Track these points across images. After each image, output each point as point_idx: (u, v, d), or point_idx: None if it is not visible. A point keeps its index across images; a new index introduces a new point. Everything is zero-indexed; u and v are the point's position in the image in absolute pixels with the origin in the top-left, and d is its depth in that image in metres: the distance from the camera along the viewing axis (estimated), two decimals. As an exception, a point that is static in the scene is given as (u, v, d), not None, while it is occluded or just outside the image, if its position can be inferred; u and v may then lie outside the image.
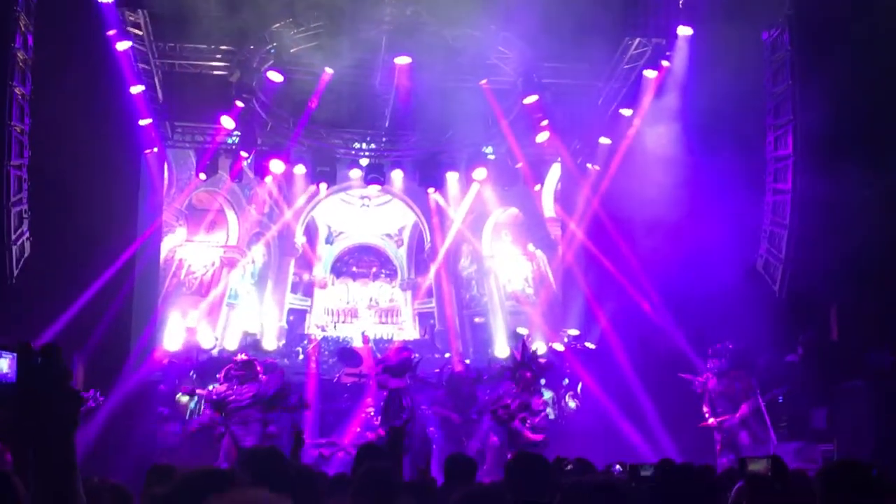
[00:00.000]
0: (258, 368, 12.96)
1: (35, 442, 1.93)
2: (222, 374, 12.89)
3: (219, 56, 15.82)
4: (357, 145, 18.14)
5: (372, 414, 15.08)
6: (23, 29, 12.86)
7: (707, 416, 13.80)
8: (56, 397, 1.95)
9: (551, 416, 14.62)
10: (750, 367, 13.88)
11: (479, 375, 15.02)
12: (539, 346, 16.98)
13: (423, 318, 18.89)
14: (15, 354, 1.94)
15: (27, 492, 2.00)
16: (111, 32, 14.08)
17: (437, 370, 15.71)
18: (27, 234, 13.35)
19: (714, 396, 13.81)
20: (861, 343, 13.46)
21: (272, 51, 15.09)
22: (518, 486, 4.50)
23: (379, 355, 16.65)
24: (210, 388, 13.51)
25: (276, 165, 16.79)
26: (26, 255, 13.36)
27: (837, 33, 13.23)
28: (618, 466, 7.97)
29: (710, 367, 13.93)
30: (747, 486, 5.03)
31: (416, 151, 17.90)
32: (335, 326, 18.45)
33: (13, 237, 12.88)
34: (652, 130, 15.44)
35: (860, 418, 12.68)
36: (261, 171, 17.04)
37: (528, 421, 12.66)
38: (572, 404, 16.08)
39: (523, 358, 13.59)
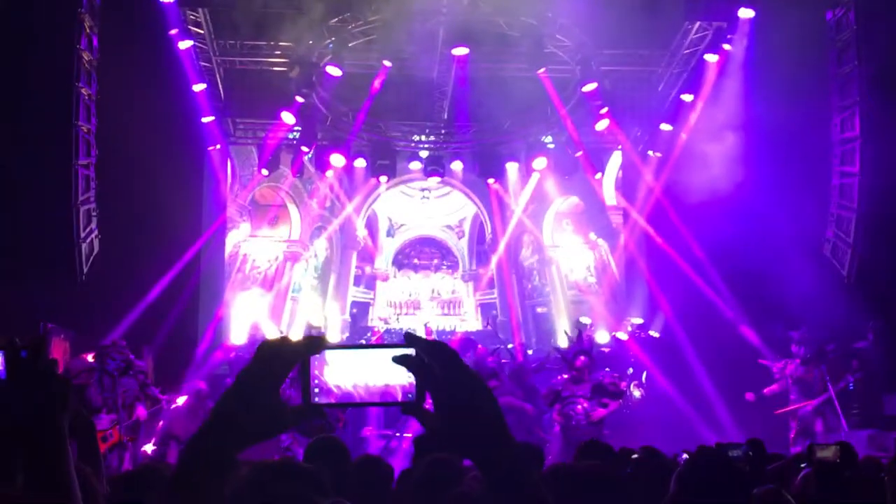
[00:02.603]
0: None
1: (25, 433, 1.97)
2: None
3: (278, 52, 16.00)
4: (416, 138, 18.18)
5: (435, 405, 15.13)
6: (87, 30, 13.15)
7: (767, 394, 13.61)
8: (43, 388, 1.99)
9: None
10: (820, 355, 13.62)
11: (541, 365, 14.92)
12: (602, 335, 16.91)
13: (486, 308, 18.88)
14: (3, 351, 2.00)
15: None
16: (173, 32, 14.33)
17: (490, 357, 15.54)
18: (96, 232, 13.66)
19: (791, 383, 13.55)
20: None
21: (330, 46, 15.18)
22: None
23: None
24: None
25: (337, 159, 16.94)
26: (95, 252, 13.66)
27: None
28: (685, 455, 7.87)
29: (795, 353, 13.62)
30: (815, 473, 4.95)
31: (476, 142, 17.89)
32: (398, 319, 18.55)
33: (82, 235, 13.19)
34: (714, 116, 15.22)
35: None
36: (322, 165, 17.20)
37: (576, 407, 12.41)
38: (637, 393, 15.92)
39: (579, 344, 13.48)
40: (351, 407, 1.80)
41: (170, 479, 1.58)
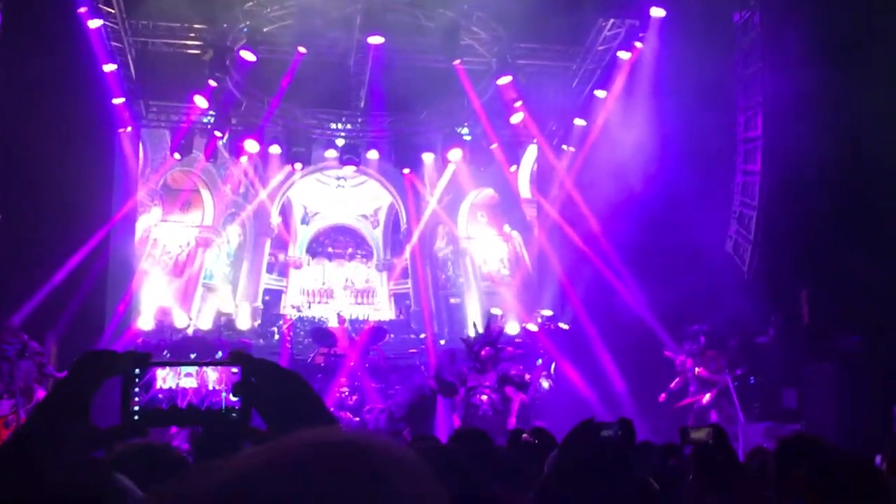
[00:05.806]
0: None
1: None
2: None
3: (192, 35, 15.73)
4: (332, 125, 18.09)
5: (346, 394, 15.15)
6: (-9, 6, 12.78)
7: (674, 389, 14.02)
8: None
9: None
10: (721, 348, 14.00)
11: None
12: (513, 327, 17.08)
13: (399, 298, 18.91)
14: None
15: None
16: (82, 10, 13.99)
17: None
18: (-2, 213, 13.30)
19: (691, 377, 13.96)
20: (831, 324, 13.57)
21: (245, 29, 15.03)
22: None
23: (354, 336, 16.71)
24: None
25: (251, 145, 16.77)
26: (-3, 233, 13.31)
27: (807, 14, 13.27)
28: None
29: (686, 349, 14.03)
30: (692, 453, 5.08)
31: (392, 132, 17.88)
32: (310, 307, 18.46)
33: (-17, 216, 12.83)
34: (626, 112, 15.47)
35: (828, 399, 12.83)
36: (236, 150, 17.01)
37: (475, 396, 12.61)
38: (546, 385, 16.13)
39: (488, 335, 13.53)
40: (175, 425, 1.79)
41: None
